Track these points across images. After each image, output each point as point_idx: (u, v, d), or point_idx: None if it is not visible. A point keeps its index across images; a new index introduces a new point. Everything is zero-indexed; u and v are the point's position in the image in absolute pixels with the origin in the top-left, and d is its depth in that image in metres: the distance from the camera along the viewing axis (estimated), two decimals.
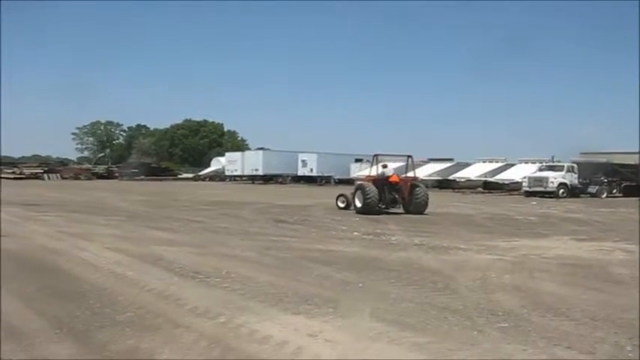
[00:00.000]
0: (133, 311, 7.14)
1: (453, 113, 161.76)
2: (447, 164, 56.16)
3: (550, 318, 7.16)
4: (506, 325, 6.79)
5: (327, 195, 38.82)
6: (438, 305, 7.73)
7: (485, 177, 51.80)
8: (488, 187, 51.29)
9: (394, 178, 24.06)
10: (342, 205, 24.82)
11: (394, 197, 23.86)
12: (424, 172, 55.70)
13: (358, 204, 23.38)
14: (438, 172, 54.83)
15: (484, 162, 54.30)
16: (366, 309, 7.43)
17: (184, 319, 6.84)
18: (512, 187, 48.86)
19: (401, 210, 23.71)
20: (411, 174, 25.62)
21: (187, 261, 10.84)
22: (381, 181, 23.75)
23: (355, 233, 16.13)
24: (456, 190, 50.81)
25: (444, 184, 53.52)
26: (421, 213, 23.36)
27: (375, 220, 20.30)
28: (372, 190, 23.01)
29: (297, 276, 9.70)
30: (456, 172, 54.12)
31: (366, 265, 10.88)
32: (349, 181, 61.27)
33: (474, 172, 53.03)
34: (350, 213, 23.08)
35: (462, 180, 52.93)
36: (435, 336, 6.33)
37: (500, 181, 50.59)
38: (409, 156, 26.14)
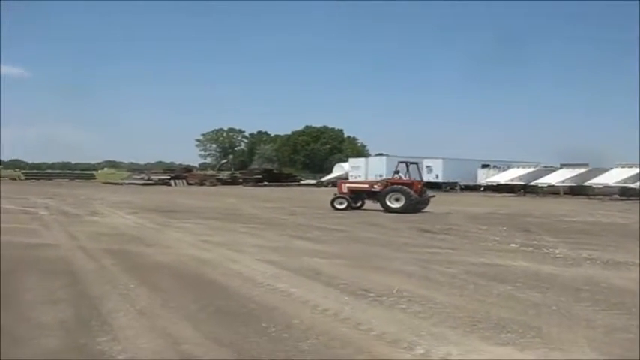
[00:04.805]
0: (314, 338, 6.30)
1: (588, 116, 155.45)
2: (581, 170, 52.91)
3: None
4: None
5: (459, 202, 37.70)
6: None
7: (625, 183, 48.42)
8: (627, 193, 47.92)
9: (414, 183, 27.28)
10: (340, 206, 27.39)
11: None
12: (556, 178, 53.01)
13: (395, 205, 26.01)
14: (571, 179, 51.85)
15: (622, 167, 50.80)
16: (581, 340, 6.33)
17: (377, 349, 5.96)
18: None
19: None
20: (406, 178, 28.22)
21: (349, 276, 9.97)
22: (409, 185, 26.80)
23: (512, 245, 14.87)
24: (591, 197, 47.87)
25: (576, 190, 50.62)
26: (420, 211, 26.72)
27: (524, 229, 18.98)
28: (411, 192, 26.15)
29: (476, 295, 8.63)
30: (591, 178, 50.87)
31: (547, 284, 9.65)
32: (475, 188, 59.28)
33: (612, 177, 49.65)
34: (496, 222, 21.79)
35: (599, 186, 49.66)
36: None
37: None
38: (416, 163, 29.43)
